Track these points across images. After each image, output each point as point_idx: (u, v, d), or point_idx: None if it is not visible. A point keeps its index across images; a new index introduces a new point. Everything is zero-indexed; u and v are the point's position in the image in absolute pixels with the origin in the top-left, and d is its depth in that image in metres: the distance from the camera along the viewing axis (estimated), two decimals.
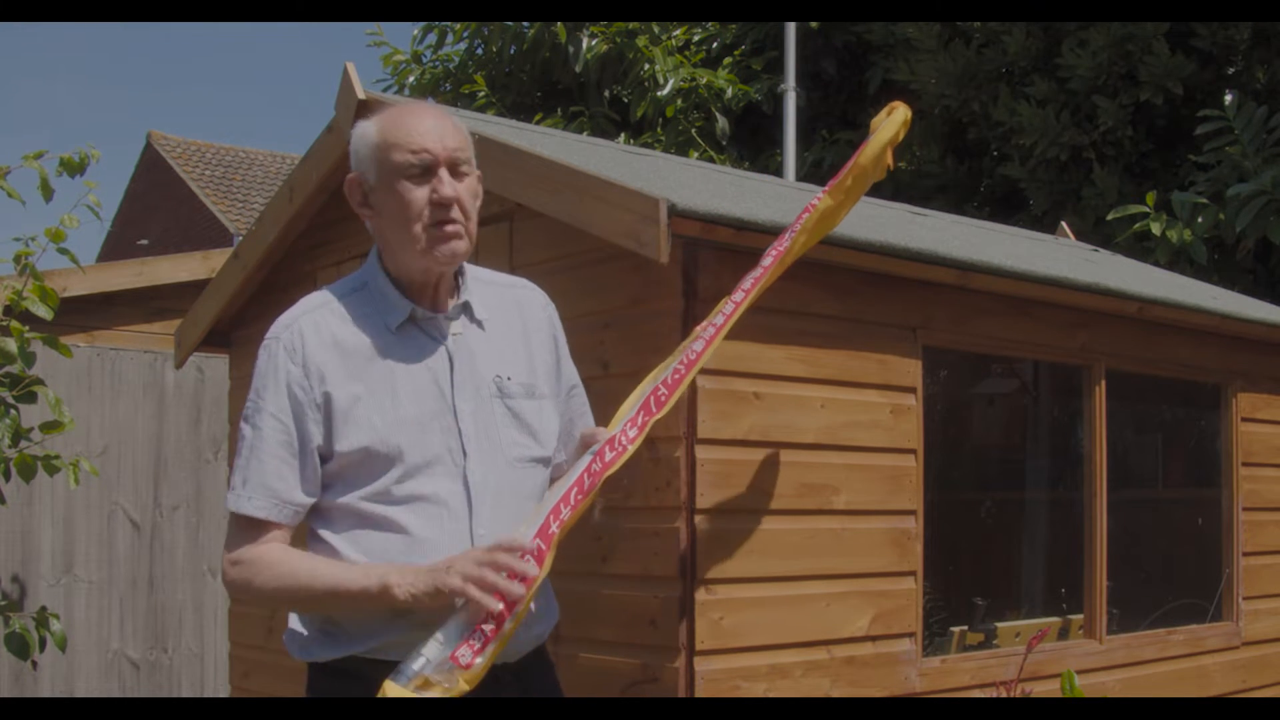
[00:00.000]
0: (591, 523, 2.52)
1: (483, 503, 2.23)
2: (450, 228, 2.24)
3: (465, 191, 2.26)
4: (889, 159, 2.79)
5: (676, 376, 2.34)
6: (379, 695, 1.99)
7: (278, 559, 2.19)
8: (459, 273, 2.36)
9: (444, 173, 2.24)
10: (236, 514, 2.23)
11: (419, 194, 2.22)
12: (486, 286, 2.40)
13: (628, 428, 2.23)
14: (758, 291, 2.61)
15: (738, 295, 2.58)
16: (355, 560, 2.19)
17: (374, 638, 2.18)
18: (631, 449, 2.21)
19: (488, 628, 2.02)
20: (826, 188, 2.78)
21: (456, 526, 2.20)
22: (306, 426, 2.21)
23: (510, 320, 2.39)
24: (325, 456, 2.22)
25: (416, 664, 2.00)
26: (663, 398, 2.29)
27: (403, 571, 2.08)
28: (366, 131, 2.28)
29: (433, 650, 2.00)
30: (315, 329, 2.25)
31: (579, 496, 2.16)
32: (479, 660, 2.01)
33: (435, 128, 2.25)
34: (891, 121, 2.81)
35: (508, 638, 2.04)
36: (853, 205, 2.81)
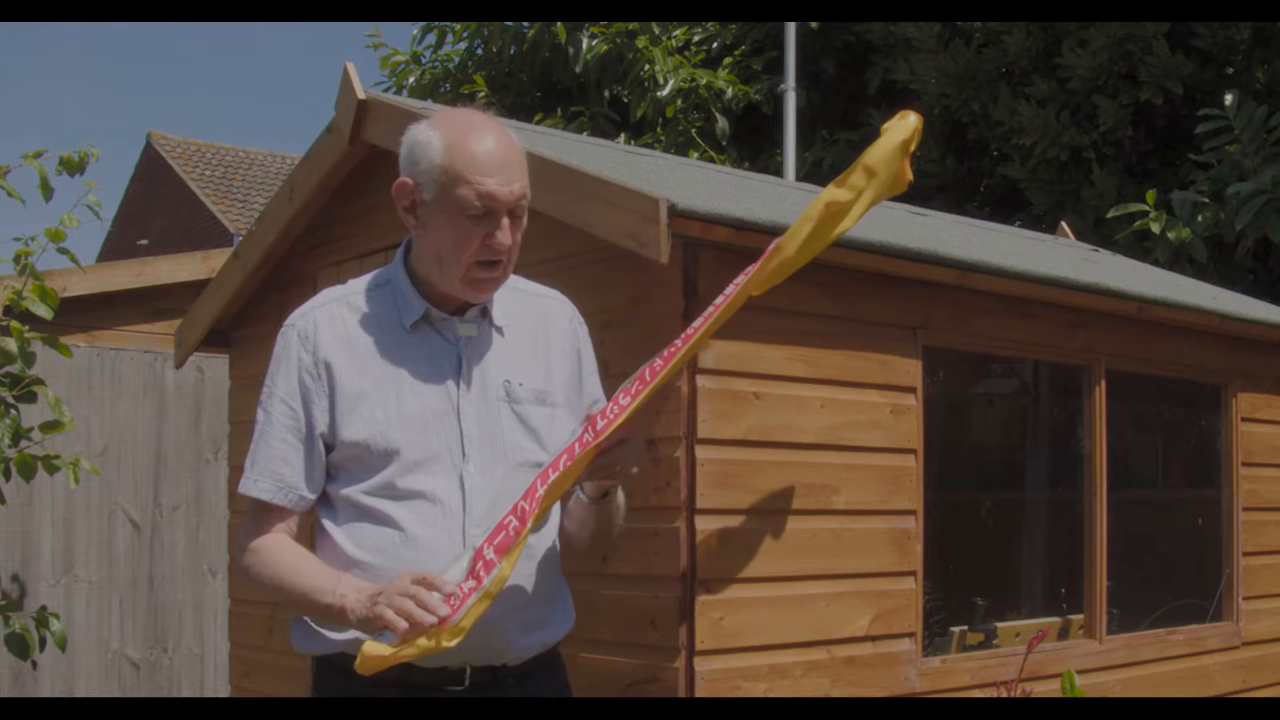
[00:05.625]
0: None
1: (477, 503, 2.23)
2: (493, 274, 2.25)
3: (517, 234, 2.26)
4: (906, 170, 2.64)
5: (672, 350, 2.31)
6: (359, 658, 2.02)
7: (273, 551, 2.25)
8: None
9: (505, 221, 2.22)
10: (246, 497, 2.29)
11: (475, 235, 2.21)
12: (513, 293, 2.40)
13: (621, 396, 2.22)
14: (763, 278, 2.52)
15: (740, 278, 2.50)
16: (355, 555, 2.22)
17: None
18: (623, 416, 2.18)
19: (468, 585, 2.06)
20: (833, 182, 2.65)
21: (450, 525, 2.22)
22: (313, 413, 2.25)
23: (531, 328, 2.39)
24: (330, 446, 2.26)
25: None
26: (658, 368, 2.27)
27: (359, 595, 2.12)
28: (430, 145, 2.22)
29: None
30: (330, 320, 2.28)
31: (567, 461, 2.16)
32: (458, 616, 2.04)
33: (504, 167, 2.21)
34: (904, 125, 2.66)
35: (492, 594, 2.07)
36: (864, 209, 2.64)
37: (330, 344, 2.26)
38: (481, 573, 2.06)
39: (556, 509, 2.41)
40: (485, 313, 2.34)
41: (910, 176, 2.65)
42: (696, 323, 2.37)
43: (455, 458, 2.24)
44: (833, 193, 2.58)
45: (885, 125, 2.69)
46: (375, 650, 2.03)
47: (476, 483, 2.24)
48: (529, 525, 2.09)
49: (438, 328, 2.31)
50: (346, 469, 2.26)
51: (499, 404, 2.30)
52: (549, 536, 2.38)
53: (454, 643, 2.04)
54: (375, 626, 2.07)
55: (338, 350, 2.26)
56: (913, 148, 2.64)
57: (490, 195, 2.19)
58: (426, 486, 2.22)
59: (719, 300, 2.42)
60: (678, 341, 2.32)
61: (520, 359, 2.35)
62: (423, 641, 2.02)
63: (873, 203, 2.61)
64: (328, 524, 2.28)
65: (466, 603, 2.05)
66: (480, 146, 2.21)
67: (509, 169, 2.22)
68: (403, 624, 2.01)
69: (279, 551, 2.25)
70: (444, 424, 2.25)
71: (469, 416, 2.27)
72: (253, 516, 2.30)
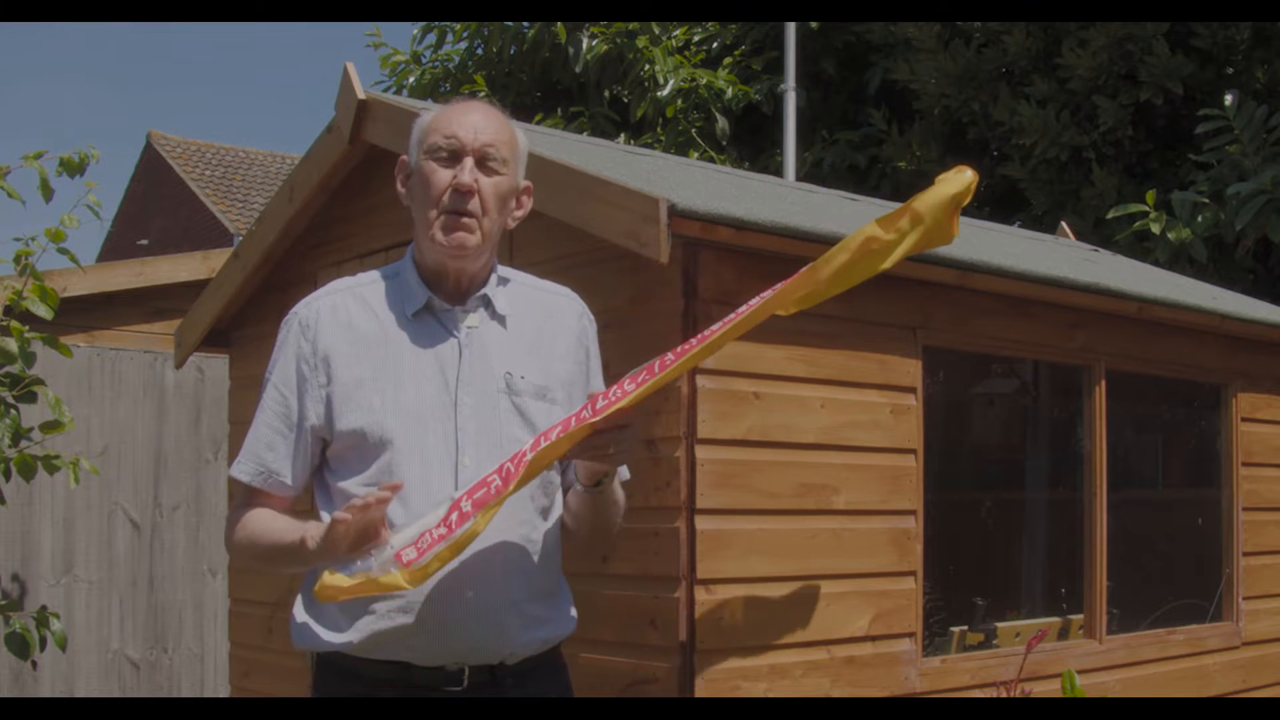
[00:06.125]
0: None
1: None
2: (462, 219, 2.26)
3: (489, 186, 2.28)
4: (955, 225, 2.57)
5: (686, 348, 2.30)
6: (318, 585, 2.06)
7: (252, 517, 2.31)
8: (491, 269, 2.38)
9: (468, 161, 2.27)
10: (235, 481, 2.35)
11: (442, 176, 2.27)
12: (521, 288, 2.41)
13: (626, 382, 2.22)
14: (792, 301, 2.47)
15: (768, 292, 2.46)
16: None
17: (359, 630, 2.20)
18: (625, 401, 2.17)
19: (437, 532, 2.07)
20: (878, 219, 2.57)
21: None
22: (305, 403, 2.27)
23: (537, 322, 2.39)
24: (327, 438, 2.28)
25: (363, 563, 2.07)
26: (669, 361, 2.26)
27: (320, 525, 2.14)
28: (421, 118, 2.35)
29: (381, 553, 2.07)
30: (333, 310, 2.31)
31: (560, 433, 2.16)
32: (423, 559, 2.05)
33: (475, 121, 2.30)
34: (959, 179, 2.59)
35: (461, 545, 2.08)
36: (903, 254, 2.55)
37: (331, 333, 2.28)
38: (455, 523, 2.07)
39: (560, 504, 2.40)
40: (489, 303, 2.35)
41: (957, 232, 2.57)
42: (715, 326, 2.35)
43: (450, 450, 2.24)
44: (875, 230, 2.51)
45: (941, 176, 2.62)
46: (334, 580, 2.05)
47: (471, 477, 2.23)
48: (511, 487, 2.10)
49: (440, 318, 2.32)
50: (345, 460, 2.27)
51: (499, 396, 2.30)
52: (552, 533, 2.37)
53: (414, 584, 2.06)
54: (329, 549, 2.08)
55: (339, 339, 2.28)
56: (964, 202, 2.57)
57: (454, 136, 2.27)
58: (419, 479, 2.22)
59: (742, 309, 2.39)
60: (693, 340, 2.31)
61: (522, 352, 2.35)
62: (384, 579, 2.04)
63: (913, 249, 2.53)
64: (325, 516, 2.28)
65: (434, 548, 2.06)
66: (458, 109, 2.32)
67: (480, 125, 2.29)
68: (348, 515, 2.03)
69: (257, 519, 2.29)
70: (441, 415, 2.25)
71: (466, 408, 2.27)
72: (239, 499, 2.37)
